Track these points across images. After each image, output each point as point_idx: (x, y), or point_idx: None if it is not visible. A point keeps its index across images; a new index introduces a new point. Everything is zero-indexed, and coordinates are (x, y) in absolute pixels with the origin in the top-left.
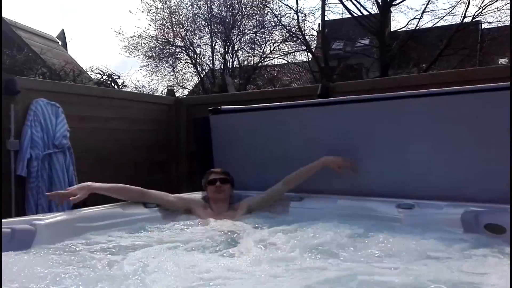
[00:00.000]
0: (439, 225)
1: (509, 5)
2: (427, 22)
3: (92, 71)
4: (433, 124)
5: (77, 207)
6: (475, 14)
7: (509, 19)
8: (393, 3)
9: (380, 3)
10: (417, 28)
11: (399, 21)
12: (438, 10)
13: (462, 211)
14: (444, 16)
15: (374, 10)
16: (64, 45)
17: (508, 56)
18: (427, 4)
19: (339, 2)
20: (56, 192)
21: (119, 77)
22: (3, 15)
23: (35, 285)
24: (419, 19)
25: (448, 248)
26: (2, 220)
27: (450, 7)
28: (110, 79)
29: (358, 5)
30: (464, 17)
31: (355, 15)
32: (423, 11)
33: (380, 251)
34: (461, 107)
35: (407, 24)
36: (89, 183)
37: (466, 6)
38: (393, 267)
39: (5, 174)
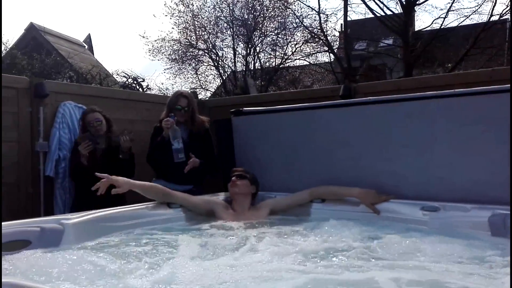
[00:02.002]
0: (465, 228)
1: None
2: (452, 21)
3: (117, 74)
4: (459, 125)
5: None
6: (503, 12)
7: None
8: (417, 2)
9: (404, 3)
10: (442, 27)
11: (423, 20)
12: (463, 8)
13: (490, 214)
14: (470, 15)
15: (398, 9)
16: (91, 49)
17: None
18: (452, 2)
19: (362, 2)
20: (102, 181)
21: (143, 80)
22: (33, 21)
23: (63, 283)
24: (444, 18)
25: (476, 252)
26: (32, 219)
27: (476, 6)
28: (135, 82)
29: (381, 5)
30: (491, 15)
31: (378, 15)
32: (448, 10)
33: (404, 253)
34: (487, 108)
35: (431, 23)
36: (127, 180)
37: (493, 4)
38: (418, 270)
39: (34, 174)
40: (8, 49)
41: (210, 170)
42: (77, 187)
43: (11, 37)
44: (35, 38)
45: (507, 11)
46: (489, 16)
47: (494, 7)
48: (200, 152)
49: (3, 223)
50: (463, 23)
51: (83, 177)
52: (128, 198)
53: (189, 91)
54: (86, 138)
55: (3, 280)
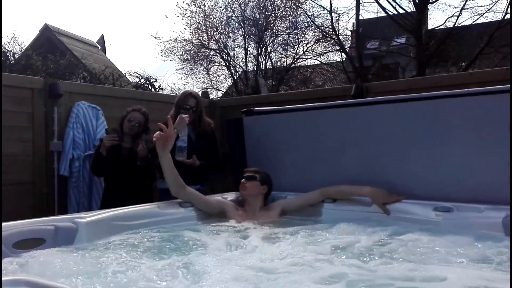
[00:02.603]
0: (479, 229)
1: None
2: (466, 19)
3: (130, 74)
4: (472, 125)
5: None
6: None
7: None
8: (430, 1)
9: (417, 1)
10: (455, 25)
11: (436, 19)
12: (477, 6)
13: (504, 215)
14: (484, 13)
15: (411, 8)
16: (104, 50)
17: None
18: (466, 1)
19: (374, 1)
20: (159, 134)
21: (156, 80)
22: (48, 22)
23: (76, 281)
24: (458, 16)
25: (489, 253)
26: (46, 218)
27: (491, 3)
28: (147, 82)
29: (394, 4)
30: (506, 13)
31: (391, 13)
32: (462, 8)
33: (416, 254)
34: (500, 107)
35: (445, 21)
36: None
37: (508, 1)
38: (429, 271)
39: (48, 174)
40: (23, 50)
41: (214, 170)
42: (106, 187)
43: (26, 38)
44: (49, 39)
45: None
46: (503, 14)
47: (509, 5)
48: (206, 153)
49: (18, 222)
50: (477, 21)
51: (103, 170)
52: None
53: (200, 91)
54: (114, 132)
55: (18, 277)
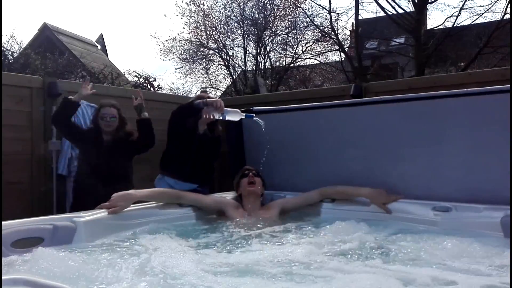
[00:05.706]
0: (477, 229)
1: None
2: (465, 19)
3: (129, 74)
4: (471, 125)
5: None
6: None
7: None
8: (430, 1)
9: (416, 1)
10: (454, 26)
11: (435, 19)
12: (477, 7)
13: (502, 215)
14: (483, 13)
15: (410, 8)
16: (103, 49)
17: None
18: (465, 1)
19: (373, 1)
20: (100, 206)
21: (155, 80)
22: (46, 21)
23: (74, 280)
24: (457, 16)
25: (487, 253)
26: (45, 217)
27: (490, 4)
28: (146, 81)
29: (393, 3)
30: (505, 13)
31: (390, 13)
32: (461, 8)
33: (414, 254)
34: (500, 107)
35: (444, 21)
36: (131, 192)
37: (507, 2)
38: (428, 271)
39: (47, 173)
40: (22, 49)
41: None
42: (76, 187)
43: (25, 37)
44: (48, 38)
45: None
46: (502, 14)
47: (508, 5)
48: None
49: (16, 221)
50: (476, 22)
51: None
52: None
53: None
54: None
55: (17, 276)
